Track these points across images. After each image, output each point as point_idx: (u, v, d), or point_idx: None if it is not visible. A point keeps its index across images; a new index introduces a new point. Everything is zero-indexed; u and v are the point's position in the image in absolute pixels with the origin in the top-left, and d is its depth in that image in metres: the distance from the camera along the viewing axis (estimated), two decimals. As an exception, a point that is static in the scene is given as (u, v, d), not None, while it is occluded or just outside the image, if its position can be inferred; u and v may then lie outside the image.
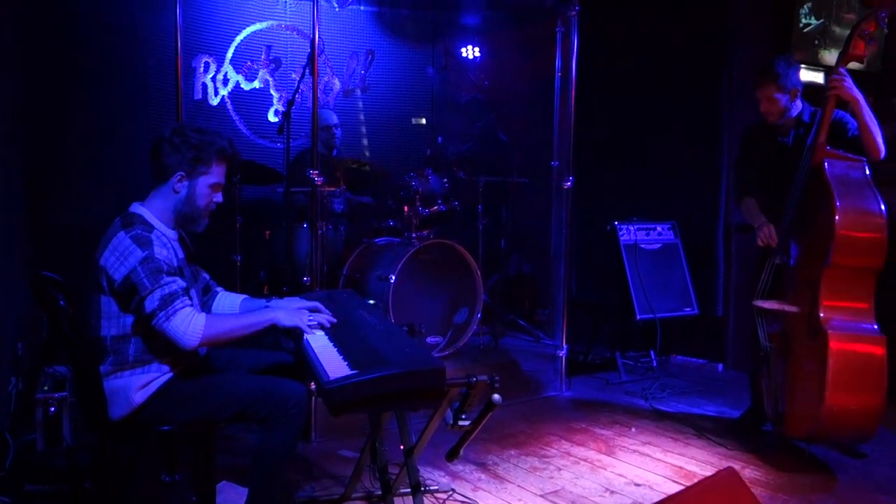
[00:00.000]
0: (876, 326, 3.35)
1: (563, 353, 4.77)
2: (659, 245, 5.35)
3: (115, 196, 2.77)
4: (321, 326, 2.58)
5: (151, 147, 2.54)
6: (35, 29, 4.28)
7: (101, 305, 2.45)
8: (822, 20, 5.30)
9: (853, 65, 3.46)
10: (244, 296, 2.91)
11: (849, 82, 3.41)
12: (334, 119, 5.19)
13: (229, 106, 5.22)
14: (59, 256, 3.99)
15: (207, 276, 2.89)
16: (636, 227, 5.29)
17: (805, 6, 5.22)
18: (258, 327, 2.52)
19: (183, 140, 2.51)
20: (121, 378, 2.45)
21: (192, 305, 2.42)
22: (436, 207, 4.78)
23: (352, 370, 2.12)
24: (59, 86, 4.43)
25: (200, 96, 5.06)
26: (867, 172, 3.45)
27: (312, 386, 3.36)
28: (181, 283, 2.43)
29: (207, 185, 2.57)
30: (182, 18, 3.98)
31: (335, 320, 2.63)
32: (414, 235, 4.67)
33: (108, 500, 2.67)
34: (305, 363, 2.38)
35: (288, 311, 2.58)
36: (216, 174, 2.59)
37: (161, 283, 2.36)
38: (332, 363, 2.21)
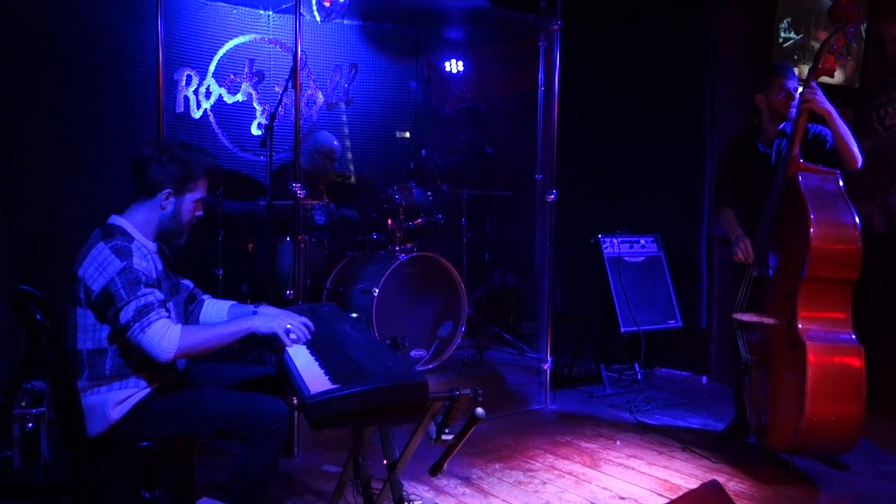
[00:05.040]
0: (854, 336, 3.38)
1: (547, 366, 4.76)
2: (642, 258, 5.36)
3: (98, 207, 2.75)
4: (302, 339, 2.55)
5: (135, 163, 2.53)
6: (19, 43, 4.25)
7: (76, 318, 2.42)
8: (801, 35, 5.37)
9: (826, 80, 3.49)
10: (232, 302, 2.87)
11: (820, 96, 3.46)
12: (335, 144, 5.02)
13: (212, 119, 5.19)
14: (37, 268, 3.95)
15: (191, 285, 2.86)
16: (620, 239, 5.30)
17: (784, 21, 5.28)
18: (235, 336, 2.49)
19: (171, 157, 2.51)
20: (97, 394, 2.43)
21: (168, 317, 2.39)
22: (419, 220, 4.77)
23: (333, 384, 2.10)
24: (42, 99, 4.39)
25: (182, 109, 5.03)
26: (841, 185, 3.48)
27: (295, 401, 3.33)
28: (158, 294, 2.40)
29: (193, 202, 2.59)
30: (164, 31, 3.96)
31: (313, 328, 2.60)
32: (398, 248, 4.66)
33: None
34: (287, 377, 2.36)
35: (265, 318, 2.56)
36: (202, 190, 2.61)
37: (137, 294, 2.34)
38: (314, 377, 2.19)
